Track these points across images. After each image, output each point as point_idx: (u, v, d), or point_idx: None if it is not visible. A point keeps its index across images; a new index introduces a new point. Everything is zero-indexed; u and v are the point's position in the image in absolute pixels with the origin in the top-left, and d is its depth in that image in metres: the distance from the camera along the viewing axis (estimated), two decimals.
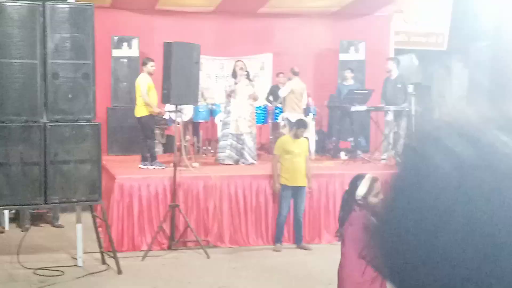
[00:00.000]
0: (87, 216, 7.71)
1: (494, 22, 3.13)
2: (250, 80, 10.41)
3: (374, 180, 4.47)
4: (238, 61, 10.47)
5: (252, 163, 10.12)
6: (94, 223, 7.57)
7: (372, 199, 4.41)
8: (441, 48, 15.69)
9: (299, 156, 8.54)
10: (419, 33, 15.45)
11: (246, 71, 10.28)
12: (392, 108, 10.62)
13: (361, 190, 4.47)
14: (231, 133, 10.08)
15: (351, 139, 11.70)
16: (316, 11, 13.29)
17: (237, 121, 10.06)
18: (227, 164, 10.01)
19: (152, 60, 9.80)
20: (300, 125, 8.78)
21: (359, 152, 11.17)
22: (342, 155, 11.60)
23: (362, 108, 10.90)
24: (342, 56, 13.57)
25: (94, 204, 7.43)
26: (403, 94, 10.69)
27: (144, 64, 9.82)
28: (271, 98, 12.32)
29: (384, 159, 10.66)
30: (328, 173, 9.39)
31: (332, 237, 9.13)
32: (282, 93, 11.34)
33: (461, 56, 16.11)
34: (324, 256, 8.46)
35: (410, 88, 10.55)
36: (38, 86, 6.87)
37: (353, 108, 10.87)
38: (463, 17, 15.28)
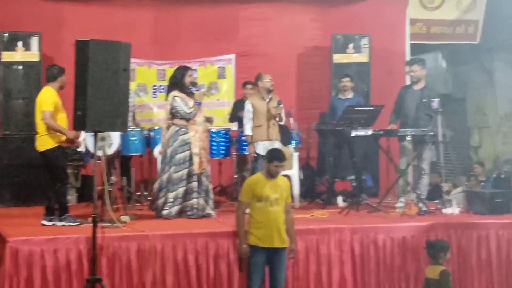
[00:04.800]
0: None
1: None
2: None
3: None
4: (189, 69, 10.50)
5: (209, 215, 10.09)
6: None
7: None
8: (472, 41, 15.83)
9: (276, 203, 8.51)
10: (443, 22, 15.61)
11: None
12: (410, 131, 10.67)
13: None
14: (194, 174, 10.00)
15: (352, 177, 11.75)
16: None
17: (201, 155, 10.01)
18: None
19: (64, 69, 9.69)
20: (273, 156, 8.61)
21: (363, 196, 11.21)
22: (340, 200, 11.62)
23: (367, 132, 10.94)
24: (337, 57, 13.68)
25: None
26: (427, 112, 10.73)
27: (54, 75, 9.66)
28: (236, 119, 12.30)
29: (401, 207, 10.69)
30: (319, 227, 9.39)
31: None
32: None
33: (506, 54, 16.33)
34: None
35: (436, 103, 10.59)
36: None
37: (353, 133, 10.91)
38: None
